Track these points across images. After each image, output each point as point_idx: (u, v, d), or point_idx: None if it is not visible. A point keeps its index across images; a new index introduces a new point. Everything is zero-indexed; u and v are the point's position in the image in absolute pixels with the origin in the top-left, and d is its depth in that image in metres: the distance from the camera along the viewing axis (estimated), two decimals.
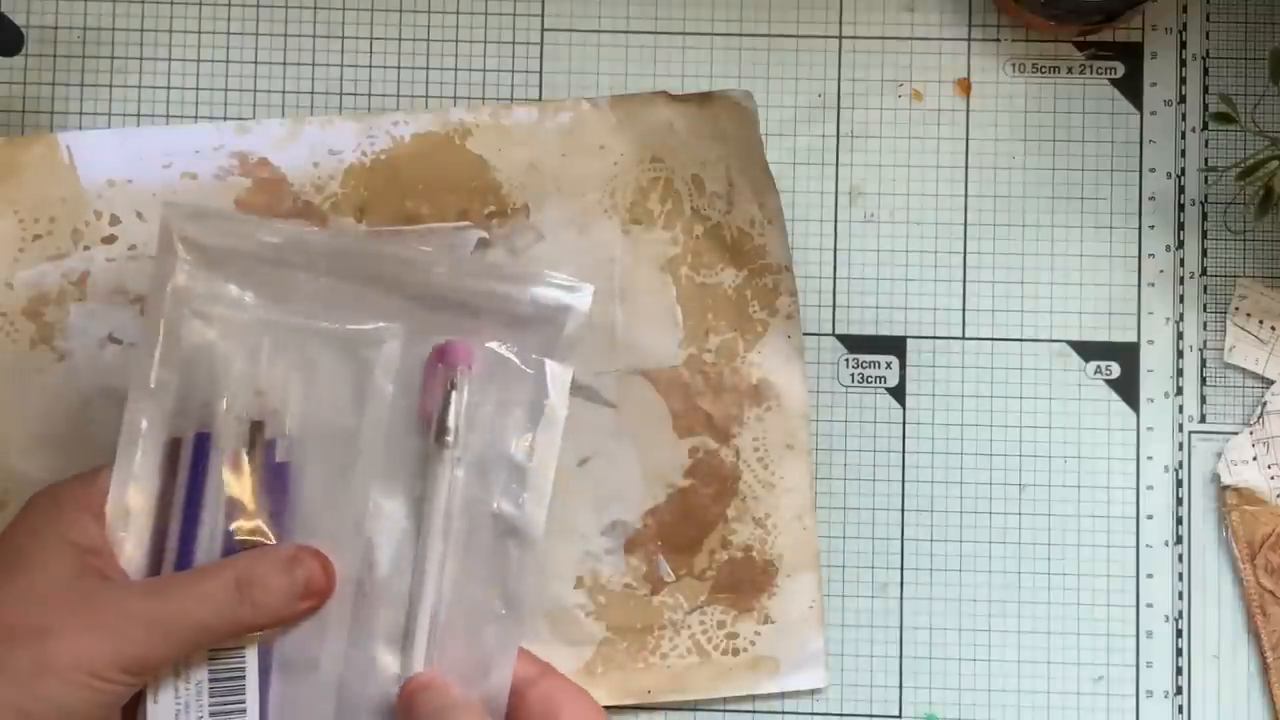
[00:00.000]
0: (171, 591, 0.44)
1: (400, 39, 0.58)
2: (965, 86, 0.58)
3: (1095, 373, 0.57)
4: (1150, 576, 0.57)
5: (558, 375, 0.47)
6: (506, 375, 0.47)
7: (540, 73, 0.58)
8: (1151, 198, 0.58)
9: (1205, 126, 0.58)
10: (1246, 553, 0.56)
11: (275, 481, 0.47)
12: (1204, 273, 0.58)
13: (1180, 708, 0.56)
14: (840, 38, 0.58)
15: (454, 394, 0.47)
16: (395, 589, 0.47)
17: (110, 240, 0.56)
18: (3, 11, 0.54)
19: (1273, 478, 0.56)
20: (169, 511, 0.47)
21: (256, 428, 0.47)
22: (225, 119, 0.58)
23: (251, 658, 0.46)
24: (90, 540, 0.45)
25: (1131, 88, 0.58)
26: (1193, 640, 0.56)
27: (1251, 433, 0.57)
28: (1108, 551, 0.57)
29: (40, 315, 0.56)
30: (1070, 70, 0.58)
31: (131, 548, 0.46)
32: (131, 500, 0.46)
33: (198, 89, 0.58)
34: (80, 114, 0.58)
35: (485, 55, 0.58)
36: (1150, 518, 0.57)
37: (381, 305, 0.47)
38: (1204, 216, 0.58)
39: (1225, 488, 0.56)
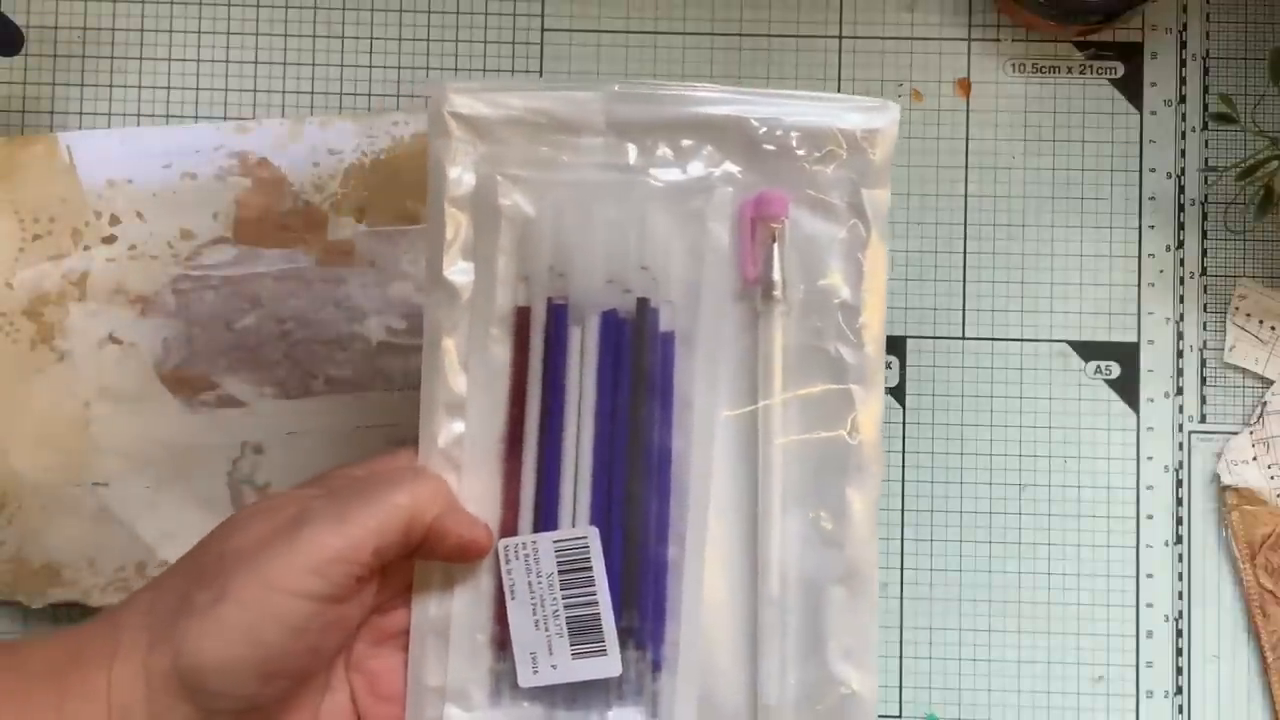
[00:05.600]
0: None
1: (400, 39, 0.58)
2: (965, 86, 0.58)
3: (1095, 373, 0.57)
4: (1150, 576, 0.57)
5: (875, 202, 0.45)
6: (823, 213, 0.45)
7: (540, 73, 0.58)
8: (1151, 198, 0.58)
9: (1205, 126, 0.58)
10: (1246, 553, 0.56)
11: (663, 352, 0.45)
12: (1204, 273, 0.58)
13: (1180, 708, 0.56)
14: (840, 38, 0.58)
15: (776, 246, 0.44)
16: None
17: (110, 240, 0.56)
18: (3, 11, 0.54)
19: (1273, 478, 0.56)
20: (524, 381, 0.45)
21: (642, 302, 0.45)
22: (225, 119, 0.58)
23: (594, 538, 0.44)
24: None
25: (1131, 88, 0.58)
26: (1193, 640, 0.56)
27: (1251, 433, 0.56)
28: (1108, 551, 0.57)
29: (40, 315, 0.56)
30: (1070, 70, 0.58)
31: (475, 428, 0.44)
32: (456, 389, 0.44)
33: (198, 89, 0.58)
34: (80, 114, 0.58)
35: (485, 55, 0.58)
36: (1150, 518, 0.57)
37: (684, 154, 0.45)
38: (1204, 216, 0.58)
39: (1225, 488, 0.56)
